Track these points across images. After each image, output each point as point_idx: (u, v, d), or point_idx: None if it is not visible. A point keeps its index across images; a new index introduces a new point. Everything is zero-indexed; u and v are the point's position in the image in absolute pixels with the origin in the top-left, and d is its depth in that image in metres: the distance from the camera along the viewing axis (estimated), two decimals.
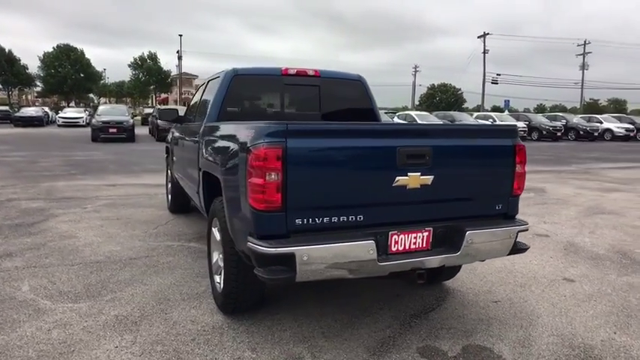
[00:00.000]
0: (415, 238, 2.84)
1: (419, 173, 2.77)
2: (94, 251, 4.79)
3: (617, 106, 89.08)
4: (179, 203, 6.45)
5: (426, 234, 2.87)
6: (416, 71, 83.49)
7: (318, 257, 2.51)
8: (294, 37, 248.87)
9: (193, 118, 5.03)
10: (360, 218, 2.72)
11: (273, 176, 2.48)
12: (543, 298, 3.79)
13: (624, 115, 35.00)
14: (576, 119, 29.51)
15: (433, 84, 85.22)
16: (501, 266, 4.50)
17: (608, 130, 28.37)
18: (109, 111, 22.39)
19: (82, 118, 33.38)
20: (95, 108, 34.89)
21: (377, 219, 2.76)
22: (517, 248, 3.09)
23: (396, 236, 2.78)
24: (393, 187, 2.74)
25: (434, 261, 2.83)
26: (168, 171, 6.77)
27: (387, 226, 2.78)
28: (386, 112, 30.53)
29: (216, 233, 3.53)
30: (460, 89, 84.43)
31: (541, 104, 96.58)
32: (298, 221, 2.58)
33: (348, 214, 2.69)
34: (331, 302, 3.62)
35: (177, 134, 5.67)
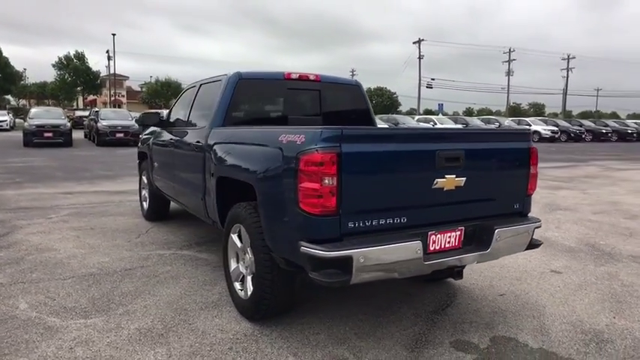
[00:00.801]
0: (449, 237, 2.97)
1: (454, 175, 2.91)
2: (81, 263, 4.52)
3: (536, 110, 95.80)
4: (157, 210, 6.22)
5: (458, 233, 3.00)
6: (353, 75, 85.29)
7: (372, 259, 2.57)
8: (226, 39, 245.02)
9: (185, 122, 4.89)
10: (403, 220, 2.80)
11: (328, 181, 2.51)
12: (541, 290, 4.07)
13: (549, 119, 37.78)
14: (507, 122, 31.46)
15: (369, 88, 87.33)
16: (493, 262, 4.75)
17: (536, 132, 30.47)
18: (43, 114, 20.98)
19: (5, 121, 31.01)
20: (16, 110, 32.60)
21: (418, 220, 2.86)
22: (532, 244, 3.31)
23: (433, 236, 2.89)
24: (432, 189, 2.85)
25: (469, 258, 2.98)
26: (143, 177, 6.50)
27: (426, 226, 2.89)
28: None
29: (236, 240, 3.48)
30: (395, 93, 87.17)
31: (469, 107, 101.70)
32: (350, 224, 2.63)
33: (393, 217, 2.77)
34: (350, 303, 3.67)
35: (161, 139, 5.47)
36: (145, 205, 6.49)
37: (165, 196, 5.84)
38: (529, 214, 3.43)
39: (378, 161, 2.69)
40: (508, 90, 59.56)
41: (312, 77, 4.50)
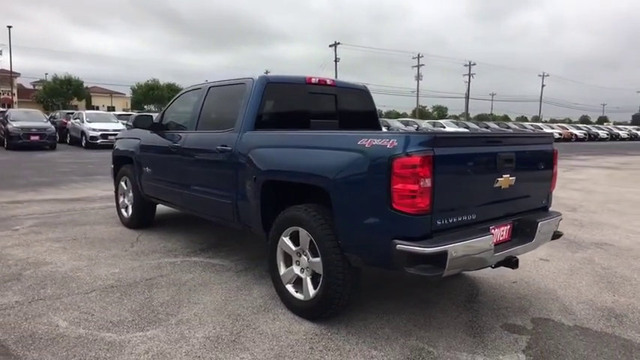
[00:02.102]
0: (502, 231, 3.29)
1: (508, 175, 3.24)
2: (92, 276, 4.27)
3: (439, 113, 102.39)
4: (143, 218, 5.96)
5: (508, 227, 3.34)
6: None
7: (461, 252, 2.80)
8: (126, 35, 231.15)
9: (193, 126, 4.77)
10: (473, 217, 3.07)
11: (425, 182, 2.70)
12: (542, 276, 4.56)
13: (460, 121, 40.68)
14: (425, 124, 33.44)
15: None
16: None
17: None
18: None
19: None
20: None
21: (483, 216, 3.15)
22: (556, 234, 3.75)
23: (493, 230, 3.19)
24: (493, 187, 3.16)
25: (519, 250, 3.32)
26: (122, 184, 6.18)
27: (487, 222, 3.18)
28: None
29: (288, 242, 3.54)
30: None
31: (379, 110, 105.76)
32: (438, 222, 2.84)
33: (467, 214, 3.03)
34: (390, 301, 3.87)
35: (157, 144, 5.26)
36: (126, 212, 6.18)
37: (159, 202, 5.63)
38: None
39: (459, 163, 2.93)
40: (418, 93, 63.15)
41: (329, 82, 4.64)
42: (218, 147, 4.23)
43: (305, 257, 3.44)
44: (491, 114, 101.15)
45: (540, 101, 77.61)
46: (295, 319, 3.45)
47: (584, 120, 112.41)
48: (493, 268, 3.47)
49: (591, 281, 4.43)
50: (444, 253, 2.71)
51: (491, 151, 3.14)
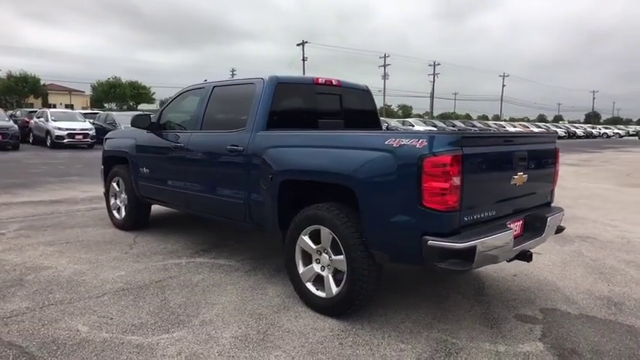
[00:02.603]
0: (516, 226, 3.44)
1: (522, 172, 3.39)
2: (99, 280, 4.18)
3: (404, 111, 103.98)
4: (138, 219, 5.85)
5: (521, 222, 3.50)
6: (233, 75, 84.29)
7: (487, 247, 2.93)
8: (84, 31, 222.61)
9: (198, 126, 4.73)
10: (493, 213, 3.21)
11: (455, 180, 2.81)
12: (539, 269, 4.77)
13: (428, 120, 41.50)
14: (394, 123, 33.93)
15: None
16: None
17: None
18: None
19: None
20: None
21: (500, 212, 3.29)
22: (559, 228, 3.95)
23: (509, 225, 3.34)
24: (510, 184, 3.31)
25: (532, 244, 3.49)
26: (114, 184, 6.04)
27: (505, 217, 3.33)
28: None
29: (308, 241, 3.58)
30: None
31: None
32: (465, 218, 2.96)
33: (488, 210, 3.16)
34: (405, 295, 3.97)
35: (156, 144, 5.19)
36: (118, 214, 6.05)
37: (157, 203, 5.55)
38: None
39: (483, 161, 3.06)
40: (384, 92, 63.98)
41: (334, 82, 4.70)
42: (228, 147, 4.22)
43: (326, 255, 3.50)
44: (454, 113, 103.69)
45: (501, 101, 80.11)
46: (317, 317, 3.50)
47: (541, 119, 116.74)
48: (508, 262, 3.63)
49: (585, 272, 4.67)
50: (474, 248, 2.83)
51: (509, 149, 3.29)
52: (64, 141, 19.24)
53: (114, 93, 69.12)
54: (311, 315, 3.53)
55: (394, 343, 3.11)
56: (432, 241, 2.83)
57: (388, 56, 61.62)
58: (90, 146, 20.13)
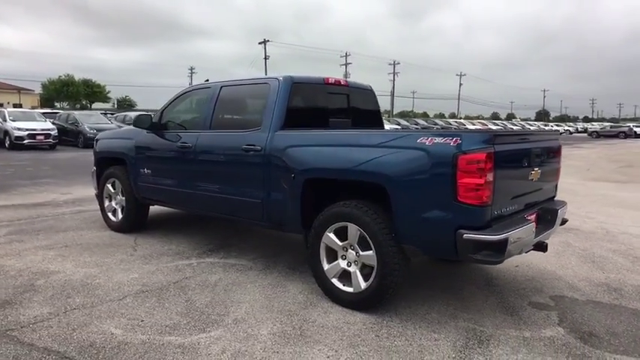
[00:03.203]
0: (532, 218, 3.65)
1: (537, 168, 3.60)
2: (113, 282, 4.12)
3: None
4: (136, 221, 5.76)
5: (535, 215, 3.70)
6: (192, 73, 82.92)
7: (516, 239, 3.10)
8: (26, 25, 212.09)
9: (207, 126, 4.71)
10: (515, 207, 3.40)
11: (489, 176, 2.97)
12: (537, 259, 5.03)
13: (392, 119, 42.26)
14: None
15: None
16: None
17: None
18: None
19: None
20: None
21: (520, 206, 3.49)
22: (564, 220, 4.20)
23: (527, 218, 3.54)
24: (528, 179, 3.51)
25: (547, 235, 3.70)
26: (109, 186, 5.90)
27: (523, 211, 3.53)
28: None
29: (334, 238, 3.67)
30: None
31: None
32: (494, 212, 3.12)
33: (512, 204, 3.35)
34: (423, 288, 4.12)
35: (160, 144, 5.12)
36: (113, 216, 5.93)
37: (159, 204, 5.48)
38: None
39: (510, 158, 3.25)
40: None
41: (342, 82, 4.80)
42: (243, 146, 4.23)
43: (353, 251, 3.59)
44: (412, 111, 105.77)
45: (459, 99, 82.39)
46: (346, 311, 3.58)
47: (495, 117, 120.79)
48: (526, 253, 3.83)
49: (578, 261, 4.97)
50: (506, 240, 3.00)
51: (529, 147, 3.49)
52: (25, 142, 18.43)
53: (66, 91, 66.64)
54: (339, 310, 3.62)
55: (427, 334, 3.25)
56: (468, 235, 2.98)
57: (349, 55, 62.15)
58: (52, 147, 19.37)
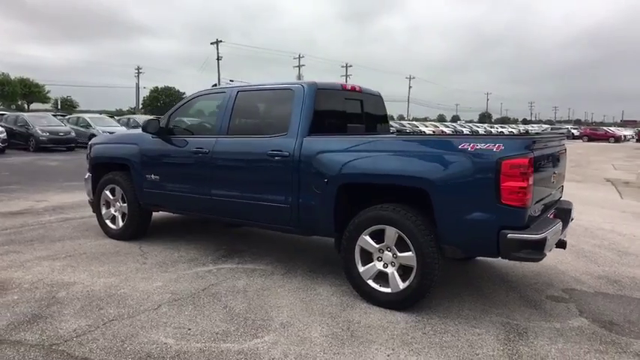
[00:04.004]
0: (557, 219, 3.92)
1: (556, 170, 3.88)
2: (140, 292, 4.03)
3: None
4: (139, 228, 5.62)
5: (553, 214, 3.99)
6: (139, 73, 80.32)
7: (551, 238, 3.35)
8: None
9: (224, 132, 4.69)
10: (541, 207, 3.66)
11: (530, 179, 3.19)
12: None
13: None
14: None
15: (157, 87, 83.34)
16: None
17: None
18: None
19: None
20: None
21: (544, 206, 3.74)
22: (571, 219, 4.52)
23: (551, 217, 3.81)
24: (550, 181, 3.78)
25: (565, 233, 3.99)
26: (107, 192, 5.72)
27: (547, 211, 3.79)
28: (111, 116, 27.54)
29: (369, 240, 3.79)
30: (185, 93, 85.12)
31: None
32: (531, 213, 3.35)
33: (539, 205, 3.60)
34: (448, 286, 4.31)
35: (171, 149, 5.04)
36: (112, 223, 5.75)
37: (168, 211, 5.39)
38: None
39: (543, 161, 3.49)
40: None
41: (357, 88, 4.92)
42: (269, 152, 4.27)
43: (389, 253, 3.72)
44: None
45: (408, 102, 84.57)
46: (383, 311, 3.70)
47: (441, 118, 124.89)
48: (549, 251, 4.09)
49: (573, 257, 5.35)
50: (545, 239, 3.23)
51: (552, 150, 3.76)
52: None
53: (2, 91, 62.77)
54: (376, 310, 3.73)
55: (468, 329, 3.43)
56: (512, 234, 3.19)
57: (303, 57, 62.42)
58: (1, 151, 18.24)
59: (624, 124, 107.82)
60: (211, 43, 55.90)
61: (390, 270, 3.74)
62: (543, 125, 76.15)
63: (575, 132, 50.27)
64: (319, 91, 4.35)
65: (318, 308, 3.76)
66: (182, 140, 5.01)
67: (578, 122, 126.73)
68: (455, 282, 4.42)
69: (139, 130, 5.48)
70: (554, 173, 3.86)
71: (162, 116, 5.36)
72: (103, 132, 21.26)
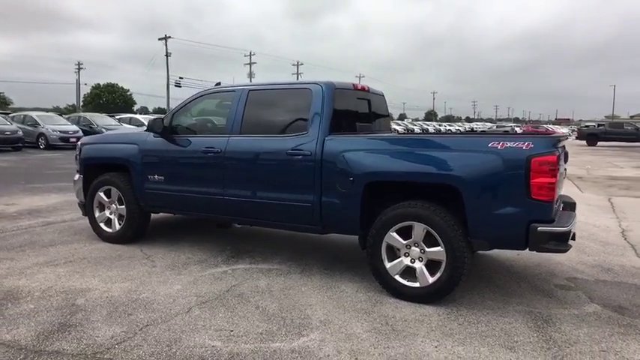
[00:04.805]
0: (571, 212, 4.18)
1: (565, 165, 4.14)
2: (162, 295, 3.94)
3: None
4: (139, 230, 5.45)
5: (562, 207, 4.25)
6: (79, 69, 76.70)
7: (574, 229, 3.58)
8: None
9: (236, 131, 4.64)
10: (558, 202, 3.89)
11: (556, 175, 3.40)
12: None
13: None
14: None
15: (99, 83, 79.88)
16: None
17: None
18: None
19: None
20: None
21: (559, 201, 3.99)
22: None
23: (565, 211, 4.06)
24: (562, 177, 4.02)
25: (575, 225, 4.25)
26: (101, 194, 5.49)
27: (559, 205, 4.04)
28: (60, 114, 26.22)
29: (397, 237, 3.89)
30: (129, 90, 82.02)
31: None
32: (554, 208, 3.57)
33: (557, 200, 3.82)
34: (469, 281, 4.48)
35: (178, 148, 4.93)
36: (107, 226, 5.54)
37: (173, 212, 5.27)
38: None
39: (562, 158, 3.71)
40: None
41: (366, 88, 5.02)
42: (289, 151, 4.27)
43: (416, 248, 3.84)
44: None
45: None
46: (412, 305, 3.81)
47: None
48: None
49: (573, 250, 5.67)
50: (570, 231, 3.46)
51: (564, 148, 4.01)
52: None
53: None
54: (405, 304, 3.84)
55: (497, 318, 3.61)
56: (543, 227, 3.39)
57: (254, 54, 61.86)
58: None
59: (559, 121, 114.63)
60: (159, 39, 54.23)
61: (417, 265, 3.86)
62: (487, 124, 79.58)
63: (518, 130, 52.90)
64: (337, 91, 4.40)
65: (349, 305, 3.82)
66: (188, 140, 4.91)
67: (517, 120, 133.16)
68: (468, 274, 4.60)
69: (134, 129, 5.31)
70: (565, 169, 4.11)
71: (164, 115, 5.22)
72: (54, 131, 20.49)
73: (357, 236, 4.25)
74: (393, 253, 3.96)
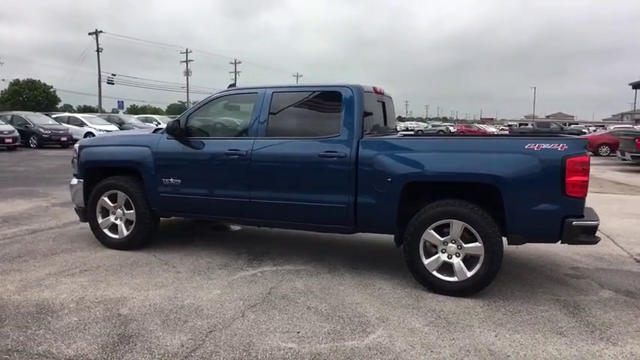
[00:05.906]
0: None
1: None
2: (205, 302, 3.89)
3: None
4: (149, 235, 5.27)
5: None
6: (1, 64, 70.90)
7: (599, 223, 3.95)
8: None
9: (261, 133, 4.63)
10: None
11: (588, 174, 3.74)
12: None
13: None
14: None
15: (17, 79, 74.35)
16: None
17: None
18: None
19: None
20: None
21: None
22: None
23: None
24: None
25: None
26: (106, 199, 5.25)
27: None
28: None
29: (434, 234, 4.09)
30: (52, 87, 76.90)
31: (134, 105, 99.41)
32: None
33: None
34: None
35: (201, 152, 4.83)
36: (112, 232, 5.32)
37: (188, 216, 5.16)
38: None
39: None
40: (188, 88, 62.26)
41: (382, 91, 5.17)
42: (322, 153, 4.34)
43: (454, 245, 4.05)
44: None
45: None
46: (452, 299, 4.01)
47: None
48: None
49: (565, 245, 6.12)
50: (597, 226, 3.82)
51: None
52: None
53: None
54: (446, 298, 4.04)
55: (533, 306, 3.90)
56: (577, 222, 3.71)
57: (191, 52, 60.22)
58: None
59: (483, 121, 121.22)
60: (90, 34, 51.23)
61: (455, 260, 4.07)
62: (421, 123, 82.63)
63: (452, 129, 55.49)
64: (365, 94, 4.53)
65: (394, 301, 3.96)
66: (208, 142, 4.83)
67: (445, 120, 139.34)
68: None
69: (140, 131, 5.13)
70: None
71: (179, 115, 5.08)
72: None
73: (393, 235, 4.40)
74: (431, 250, 4.15)
